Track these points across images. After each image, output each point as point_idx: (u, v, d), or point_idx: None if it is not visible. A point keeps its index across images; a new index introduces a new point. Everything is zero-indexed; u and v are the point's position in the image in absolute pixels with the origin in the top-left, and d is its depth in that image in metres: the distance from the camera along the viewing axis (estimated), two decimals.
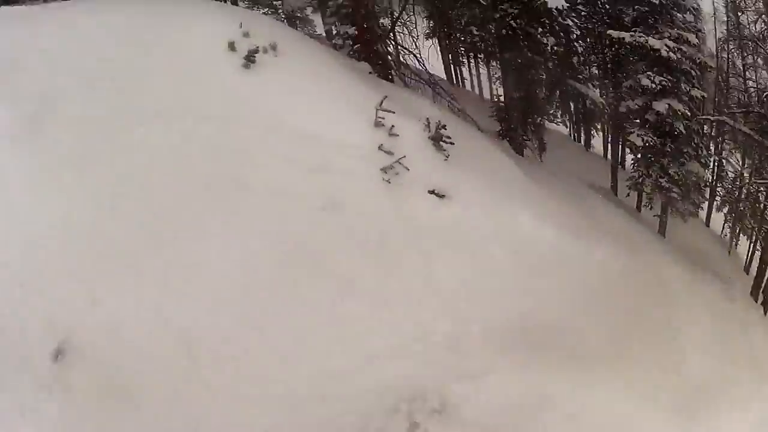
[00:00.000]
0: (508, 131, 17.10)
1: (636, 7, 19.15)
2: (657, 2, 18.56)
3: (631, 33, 18.23)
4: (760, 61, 24.53)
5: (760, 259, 20.04)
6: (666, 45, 17.74)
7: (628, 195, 20.36)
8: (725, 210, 28.64)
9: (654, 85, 17.80)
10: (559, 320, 9.62)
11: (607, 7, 21.20)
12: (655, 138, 17.92)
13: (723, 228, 30.13)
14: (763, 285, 18.74)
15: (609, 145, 26.51)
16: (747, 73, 27.56)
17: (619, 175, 21.99)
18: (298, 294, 7.92)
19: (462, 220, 9.67)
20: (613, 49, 20.27)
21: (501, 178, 11.31)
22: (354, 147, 9.59)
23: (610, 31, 19.01)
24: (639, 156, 18.91)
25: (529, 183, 11.92)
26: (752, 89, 26.55)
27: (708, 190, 26.53)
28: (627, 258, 12.00)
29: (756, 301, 18.44)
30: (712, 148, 28.76)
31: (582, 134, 29.75)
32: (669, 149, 18.12)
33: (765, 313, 17.77)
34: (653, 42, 17.79)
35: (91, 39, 9.58)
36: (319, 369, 7.56)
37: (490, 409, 8.17)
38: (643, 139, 17.95)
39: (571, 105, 26.99)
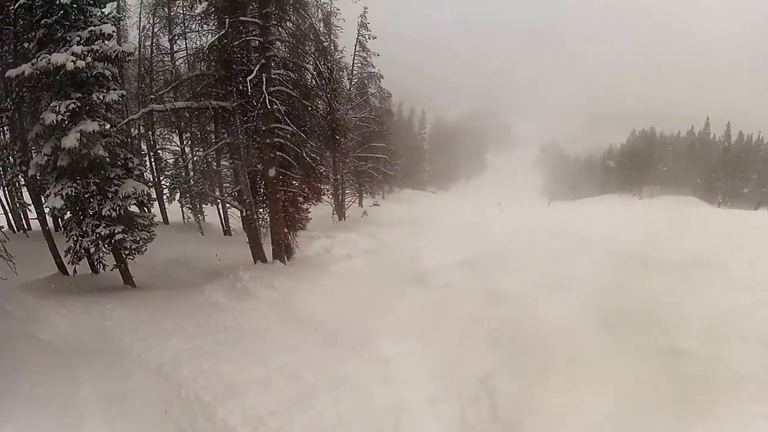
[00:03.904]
0: None
1: (44, 21, 14.69)
2: (69, 2, 14.62)
3: (32, 62, 14.06)
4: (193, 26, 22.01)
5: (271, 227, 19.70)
6: (73, 54, 14.22)
7: (76, 272, 16.78)
8: (178, 197, 28.21)
9: (61, 117, 14.17)
10: None
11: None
12: (76, 185, 14.60)
13: (183, 214, 29.87)
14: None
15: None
16: (175, 46, 26.59)
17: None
18: None
19: None
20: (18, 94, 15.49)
21: None
22: None
23: (9, 73, 14.43)
24: (68, 217, 15.46)
25: None
26: (180, 59, 25.75)
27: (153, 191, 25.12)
28: None
29: (284, 262, 19.15)
30: (145, 146, 27.47)
31: None
32: (95, 186, 15.03)
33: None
34: (57, 58, 14.03)
35: None
36: None
37: None
38: (63, 196, 14.44)
39: None
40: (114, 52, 15.20)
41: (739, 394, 8.87)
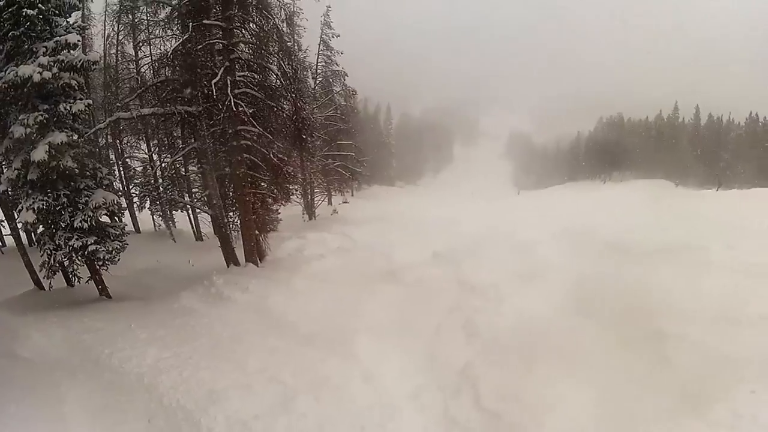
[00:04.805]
0: None
1: (11, 33, 14.51)
2: (35, 13, 14.44)
3: (0, 76, 13.98)
4: (157, 32, 21.78)
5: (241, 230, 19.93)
6: (40, 65, 14.16)
7: (52, 286, 16.48)
8: (148, 204, 28.05)
9: (30, 130, 14.13)
10: None
11: None
12: (47, 198, 14.52)
13: (154, 222, 29.67)
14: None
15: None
16: (140, 52, 26.39)
17: None
18: None
19: None
20: None
21: None
22: None
23: None
24: (41, 231, 15.34)
25: None
26: (145, 66, 25.51)
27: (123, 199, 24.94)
28: None
29: (256, 265, 19.29)
30: (113, 155, 27.28)
31: None
32: (66, 198, 14.96)
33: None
34: (24, 70, 13.98)
35: None
36: None
37: None
38: (35, 210, 14.33)
39: None
40: (80, 61, 15.03)
41: (729, 375, 9.12)
